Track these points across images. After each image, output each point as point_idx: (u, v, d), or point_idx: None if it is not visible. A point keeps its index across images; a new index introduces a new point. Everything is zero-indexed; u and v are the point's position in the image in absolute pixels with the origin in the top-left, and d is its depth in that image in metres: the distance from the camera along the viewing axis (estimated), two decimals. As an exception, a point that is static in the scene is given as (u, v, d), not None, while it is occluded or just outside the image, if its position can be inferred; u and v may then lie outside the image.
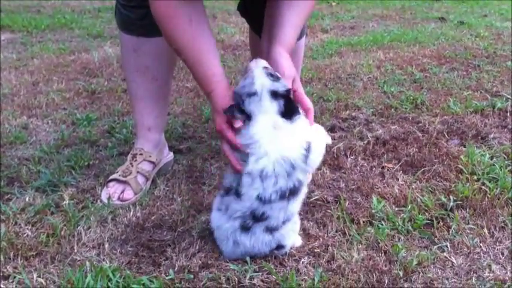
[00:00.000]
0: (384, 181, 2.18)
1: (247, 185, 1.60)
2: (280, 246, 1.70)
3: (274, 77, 1.62)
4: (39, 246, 1.79)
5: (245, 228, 1.65)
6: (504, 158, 2.32)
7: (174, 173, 2.31)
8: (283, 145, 1.58)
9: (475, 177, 2.16)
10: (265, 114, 1.59)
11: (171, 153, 2.41)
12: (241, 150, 1.62)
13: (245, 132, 1.60)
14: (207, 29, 1.80)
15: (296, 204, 1.67)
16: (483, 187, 2.08)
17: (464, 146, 2.45)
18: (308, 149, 1.61)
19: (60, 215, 1.98)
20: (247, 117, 1.60)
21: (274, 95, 1.59)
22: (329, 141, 1.82)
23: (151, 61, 2.17)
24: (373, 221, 1.90)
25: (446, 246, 1.77)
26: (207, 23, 1.82)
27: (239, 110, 1.60)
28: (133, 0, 2.09)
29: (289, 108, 1.60)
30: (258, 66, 1.65)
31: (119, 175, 2.16)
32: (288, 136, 1.59)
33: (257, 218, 1.63)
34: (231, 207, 1.66)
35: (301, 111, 1.67)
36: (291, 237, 1.72)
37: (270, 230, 1.65)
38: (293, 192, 1.62)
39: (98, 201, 2.09)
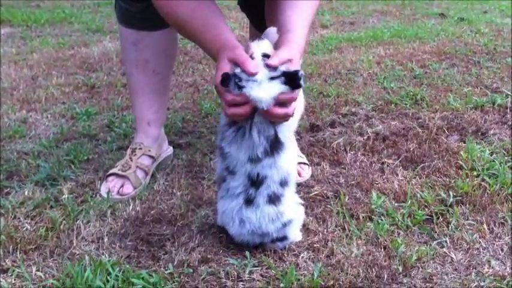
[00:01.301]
0: (384, 177, 2.18)
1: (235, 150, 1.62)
2: (282, 238, 1.70)
3: (272, 69, 1.57)
4: (38, 240, 1.79)
5: (249, 202, 1.64)
6: (504, 154, 2.32)
7: (174, 168, 2.31)
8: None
9: (475, 173, 2.15)
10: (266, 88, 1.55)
11: (171, 148, 2.40)
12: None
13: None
14: (218, 12, 1.75)
15: (285, 161, 1.66)
16: (483, 183, 2.08)
17: (464, 142, 2.44)
18: None
19: (59, 209, 1.98)
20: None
21: (272, 78, 1.56)
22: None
23: (151, 55, 2.17)
24: (373, 217, 1.90)
25: (446, 241, 1.77)
26: (218, 8, 1.76)
27: (237, 85, 1.55)
28: (133, -6, 2.08)
29: (290, 78, 1.56)
30: (258, 53, 1.61)
31: (118, 169, 2.16)
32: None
33: (255, 181, 1.62)
34: (231, 187, 1.66)
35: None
36: (296, 212, 1.73)
37: (273, 200, 1.65)
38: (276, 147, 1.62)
39: (97, 195, 2.09)
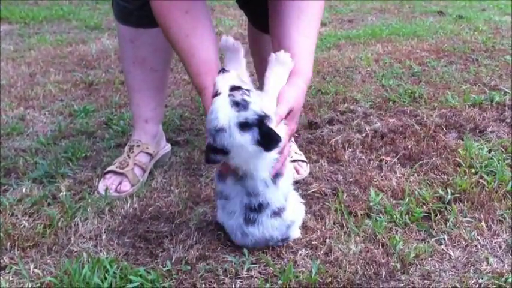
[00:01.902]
0: (382, 174, 2.18)
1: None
2: (286, 239, 1.73)
3: (241, 106, 1.47)
4: (36, 237, 1.78)
5: (249, 221, 1.65)
6: (502, 151, 2.31)
7: (172, 165, 2.30)
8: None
9: (473, 171, 2.15)
10: (240, 147, 1.49)
11: (169, 145, 2.40)
12: None
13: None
14: (206, 23, 1.76)
15: (286, 180, 1.66)
16: (481, 180, 2.08)
17: (462, 139, 2.44)
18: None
19: (57, 206, 1.97)
20: (224, 153, 1.50)
21: (245, 125, 1.47)
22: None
23: (148, 52, 2.16)
24: (371, 214, 1.90)
25: (444, 239, 1.77)
26: (207, 17, 1.77)
27: (214, 150, 1.50)
28: (131, -9, 2.08)
29: (265, 137, 1.47)
30: (225, 88, 1.52)
31: (116, 167, 2.15)
32: None
33: (255, 209, 1.63)
34: (227, 208, 1.68)
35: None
36: (298, 212, 1.75)
37: (277, 213, 1.65)
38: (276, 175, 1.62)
39: (95, 192, 2.08)
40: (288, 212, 1.68)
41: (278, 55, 1.67)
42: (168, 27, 1.74)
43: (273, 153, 1.55)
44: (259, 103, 1.51)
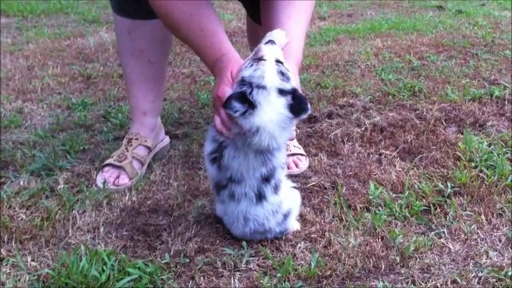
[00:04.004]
0: (381, 168, 2.17)
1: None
2: (284, 231, 1.72)
3: (285, 77, 1.55)
4: (34, 230, 1.77)
5: (260, 197, 1.63)
6: (502, 145, 2.31)
7: (170, 158, 2.29)
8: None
9: (473, 164, 2.15)
10: (271, 109, 1.52)
11: (167, 138, 2.39)
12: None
13: (245, 121, 1.53)
14: (208, 5, 1.74)
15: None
16: (481, 174, 2.07)
17: (462, 134, 2.43)
18: None
19: (55, 199, 1.96)
20: (251, 106, 1.51)
21: (281, 92, 1.53)
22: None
23: (146, 44, 2.15)
24: (370, 207, 1.89)
25: (444, 232, 1.76)
26: (208, 2, 1.75)
27: (242, 98, 1.51)
28: (129, -18, 2.06)
29: (297, 104, 1.54)
30: (271, 57, 1.56)
31: (114, 160, 2.14)
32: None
33: (267, 177, 1.63)
34: (237, 192, 1.65)
35: None
36: (294, 201, 1.75)
37: (276, 188, 1.65)
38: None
39: (93, 185, 2.07)
40: (282, 193, 1.67)
41: (272, 32, 1.68)
42: (169, 14, 1.72)
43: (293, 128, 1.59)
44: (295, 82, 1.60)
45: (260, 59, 1.55)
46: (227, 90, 1.58)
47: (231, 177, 1.63)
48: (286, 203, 1.69)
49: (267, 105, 1.51)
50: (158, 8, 1.74)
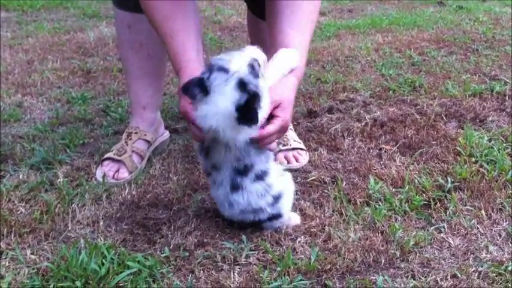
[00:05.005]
0: (381, 162, 2.17)
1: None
2: (277, 215, 1.70)
3: (254, 72, 1.51)
4: (33, 223, 1.77)
5: (234, 188, 1.63)
6: (502, 140, 2.30)
7: (170, 152, 2.29)
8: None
9: (473, 159, 2.14)
10: (222, 98, 1.48)
11: (167, 132, 2.38)
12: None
13: (199, 107, 1.52)
14: (188, 6, 1.77)
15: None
16: (481, 169, 2.07)
17: (463, 129, 2.43)
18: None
19: (55, 193, 1.96)
20: (205, 91, 1.49)
21: (242, 86, 1.48)
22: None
23: (145, 38, 2.14)
24: (370, 202, 1.89)
25: (444, 227, 1.76)
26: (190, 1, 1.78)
27: (199, 84, 1.49)
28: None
29: (247, 109, 1.47)
30: (250, 54, 1.54)
31: (114, 154, 2.14)
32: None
33: (241, 171, 1.62)
34: (216, 179, 1.67)
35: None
36: (285, 184, 1.72)
37: (260, 177, 1.64)
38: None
39: (93, 179, 2.07)
40: (271, 178, 1.66)
41: (286, 50, 1.68)
42: (149, 12, 1.78)
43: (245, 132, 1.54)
44: (265, 88, 1.55)
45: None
46: (184, 104, 1.60)
47: (214, 165, 1.65)
48: (276, 186, 1.68)
49: (218, 93, 1.47)
50: (142, 3, 1.79)
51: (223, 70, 1.48)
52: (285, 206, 1.72)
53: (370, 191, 1.94)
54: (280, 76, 1.66)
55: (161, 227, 1.77)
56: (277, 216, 1.70)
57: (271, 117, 1.61)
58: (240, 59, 1.51)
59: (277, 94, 1.62)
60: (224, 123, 1.49)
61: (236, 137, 1.54)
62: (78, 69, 3.38)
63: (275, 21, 1.80)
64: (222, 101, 1.48)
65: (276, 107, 1.61)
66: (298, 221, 1.77)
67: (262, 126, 1.57)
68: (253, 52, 1.57)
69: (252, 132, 1.54)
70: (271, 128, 1.60)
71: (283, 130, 1.65)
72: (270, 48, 1.75)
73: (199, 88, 1.49)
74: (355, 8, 5.47)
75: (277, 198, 1.68)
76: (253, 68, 1.51)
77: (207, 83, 1.49)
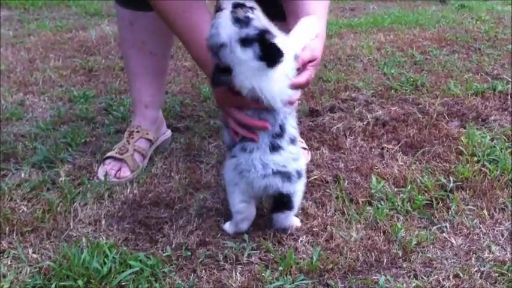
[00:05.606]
0: (384, 162, 2.16)
1: None
2: (290, 205, 1.68)
3: (242, 22, 1.47)
4: (35, 222, 1.77)
5: (275, 149, 1.60)
6: (505, 140, 2.30)
7: (172, 151, 2.29)
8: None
9: (475, 159, 2.14)
10: (244, 64, 1.48)
11: (169, 131, 2.38)
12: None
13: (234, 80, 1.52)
14: (200, 1, 1.75)
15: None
16: (483, 168, 2.06)
17: (465, 128, 2.42)
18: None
19: (56, 191, 1.96)
20: (229, 72, 1.49)
21: (246, 41, 1.46)
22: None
23: (148, 36, 2.14)
24: (372, 201, 1.89)
25: (446, 226, 1.76)
26: None
27: (221, 69, 1.50)
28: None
29: (267, 52, 1.46)
30: (227, 4, 1.49)
31: (116, 153, 2.14)
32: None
33: (279, 134, 1.60)
34: (249, 146, 1.61)
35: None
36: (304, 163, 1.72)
37: (293, 141, 1.63)
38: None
39: (95, 178, 2.07)
40: (298, 147, 1.67)
41: (308, 18, 1.68)
42: (163, 10, 1.76)
43: (281, 75, 1.53)
44: (263, 19, 1.51)
45: (218, 9, 1.50)
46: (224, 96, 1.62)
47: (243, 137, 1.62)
48: (301, 161, 1.68)
49: (237, 63, 1.48)
50: (155, 5, 1.78)
51: (221, 46, 1.47)
52: (301, 186, 1.70)
53: (372, 191, 1.94)
54: (306, 41, 1.65)
55: (163, 226, 1.77)
56: (291, 195, 1.66)
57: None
58: (223, 24, 1.47)
59: (316, 47, 1.66)
60: (260, 81, 1.50)
61: (272, 88, 1.52)
62: (80, 67, 3.38)
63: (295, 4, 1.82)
64: (245, 66, 1.48)
65: (310, 61, 1.64)
66: (299, 224, 1.76)
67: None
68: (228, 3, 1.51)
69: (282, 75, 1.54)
70: (303, 77, 1.62)
71: (307, 85, 1.69)
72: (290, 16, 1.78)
73: (221, 73, 1.50)
74: (357, 6, 5.47)
75: (299, 174, 1.66)
76: (238, 21, 1.47)
77: (221, 64, 1.49)
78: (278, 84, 1.53)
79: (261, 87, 1.51)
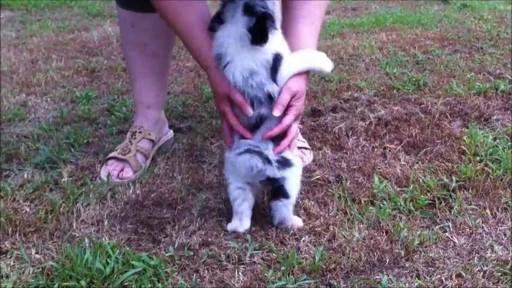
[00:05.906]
0: (386, 161, 2.16)
1: None
2: (284, 192, 1.71)
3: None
4: (38, 223, 1.77)
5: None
6: (507, 139, 2.29)
7: (174, 152, 2.29)
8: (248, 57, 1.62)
9: (478, 158, 2.14)
10: (234, 25, 1.61)
11: (171, 131, 2.39)
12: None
13: (215, 37, 1.66)
14: (200, 2, 1.77)
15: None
16: (486, 168, 2.06)
17: (467, 127, 2.42)
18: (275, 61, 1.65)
19: (59, 192, 1.97)
20: (221, 22, 1.64)
21: (249, 10, 1.59)
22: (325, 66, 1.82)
23: (149, 37, 2.14)
24: (375, 201, 1.89)
25: (448, 226, 1.75)
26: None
27: (219, 19, 1.64)
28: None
29: (258, 30, 1.58)
30: None
31: (118, 153, 2.14)
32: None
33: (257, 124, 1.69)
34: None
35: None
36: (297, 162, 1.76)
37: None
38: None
39: (97, 178, 2.07)
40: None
41: (310, 51, 1.80)
42: (163, 8, 1.78)
43: (262, 53, 1.62)
44: (278, 11, 1.65)
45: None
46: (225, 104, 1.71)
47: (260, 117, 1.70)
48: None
49: (230, 22, 1.61)
50: (157, 6, 1.79)
51: (231, 1, 1.61)
52: (292, 184, 1.73)
53: (375, 190, 1.94)
54: (297, 72, 1.73)
55: (165, 226, 1.77)
56: (281, 179, 1.70)
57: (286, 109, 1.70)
58: None
59: (294, 85, 1.70)
60: (238, 46, 1.61)
61: (243, 65, 1.63)
62: (83, 68, 3.39)
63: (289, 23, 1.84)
64: (234, 27, 1.61)
65: (292, 97, 1.70)
66: (301, 224, 1.76)
67: (281, 118, 1.68)
68: None
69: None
70: (289, 118, 1.70)
71: (297, 118, 1.77)
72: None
73: (217, 22, 1.65)
74: (359, 6, 5.47)
75: (286, 161, 1.71)
76: None
77: (222, 16, 1.63)
78: (250, 64, 1.62)
79: (234, 57, 1.62)
